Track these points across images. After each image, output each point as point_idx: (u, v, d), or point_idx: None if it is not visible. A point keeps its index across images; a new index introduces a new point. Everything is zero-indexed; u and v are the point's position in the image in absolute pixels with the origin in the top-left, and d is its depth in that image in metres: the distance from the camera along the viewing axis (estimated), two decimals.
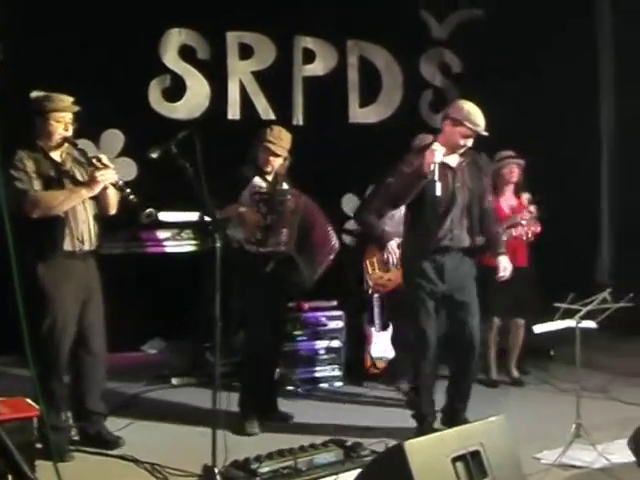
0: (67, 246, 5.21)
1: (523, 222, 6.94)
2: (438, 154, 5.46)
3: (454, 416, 5.79)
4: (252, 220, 5.88)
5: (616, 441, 5.46)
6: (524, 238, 6.98)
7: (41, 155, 5.23)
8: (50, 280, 5.17)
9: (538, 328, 5.62)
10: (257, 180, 5.98)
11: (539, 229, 7.04)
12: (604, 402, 6.72)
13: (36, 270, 5.12)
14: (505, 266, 5.84)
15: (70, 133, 5.27)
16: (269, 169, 6.01)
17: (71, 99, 5.29)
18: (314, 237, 6.10)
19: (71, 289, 5.26)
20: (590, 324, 5.50)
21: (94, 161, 5.26)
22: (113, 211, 5.47)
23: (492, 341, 7.39)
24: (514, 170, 7.23)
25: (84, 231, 5.28)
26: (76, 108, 5.30)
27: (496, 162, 7.13)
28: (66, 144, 5.29)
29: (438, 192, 5.51)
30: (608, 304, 5.42)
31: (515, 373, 7.53)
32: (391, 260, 6.46)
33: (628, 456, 4.96)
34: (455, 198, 5.68)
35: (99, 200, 5.36)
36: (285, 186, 6.11)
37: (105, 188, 5.26)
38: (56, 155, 5.30)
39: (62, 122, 5.21)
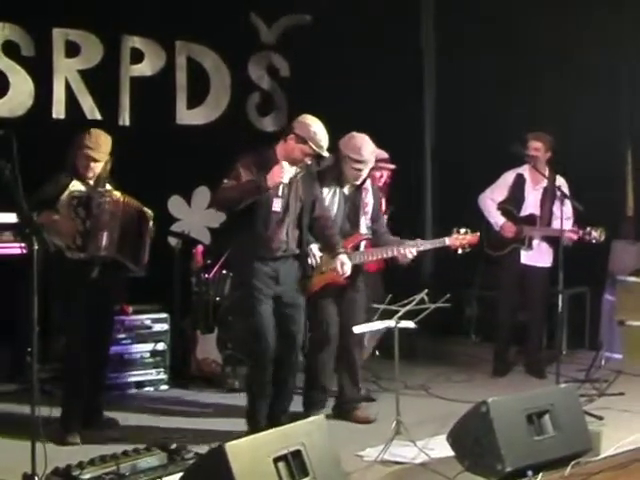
0: None
1: None
2: (286, 175, 5.52)
3: (275, 418, 5.83)
4: (67, 228, 5.76)
5: (436, 437, 5.65)
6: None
7: None
8: None
9: (358, 329, 5.75)
10: (75, 184, 5.85)
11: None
12: (425, 399, 6.93)
13: None
14: (343, 262, 5.84)
15: None
16: (90, 174, 5.90)
17: None
18: (136, 231, 6.02)
19: None
20: (409, 324, 5.66)
21: None
22: None
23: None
24: (384, 174, 7.14)
25: None
26: None
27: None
28: None
29: (277, 208, 5.61)
30: (425, 305, 5.59)
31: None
32: (312, 262, 6.16)
33: (448, 451, 5.10)
34: (288, 210, 5.74)
35: None
36: (108, 187, 6.01)
37: None
38: None
39: None
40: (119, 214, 5.90)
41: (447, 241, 6.27)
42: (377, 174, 6.94)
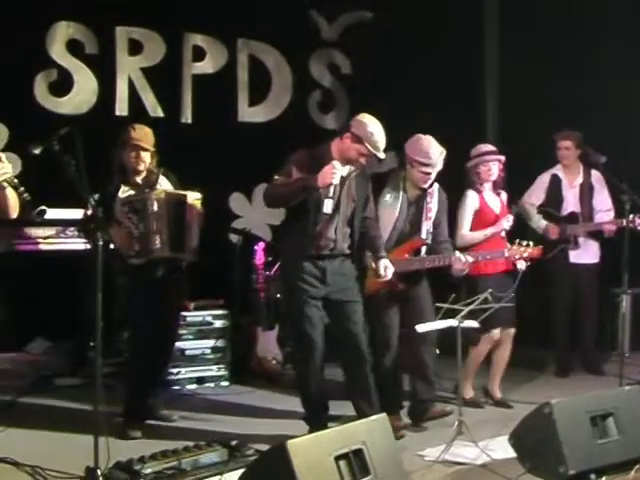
0: None
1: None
2: (337, 175, 5.40)
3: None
4: (122, 239, 5.78)
5: (497, 437, 5.59)
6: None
7: None
8: None
9: (421, 327, 5.69)
10: (123, 190, 5.86)
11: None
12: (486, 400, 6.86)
13: None
14: (386, 266, 5.75)
15: None
16: (141, 167, 5.91)
17: None
18: (182, 223, 5.99)
19: None
20: (472, 323, 5.60)
21: None
22: (15, 214, 5.33)
23: (479, 356, 6.75)
24: (492, 168, 6.66)
25: None
26: None
27: (474, 158, 6.70)
28: None
29: (327, 210, 5.52)
30: (489, 304, 5.53)
31: (498, 393, 6.90)
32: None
33: (509, 452, 5.04)
34: (339, 208, 5.65)
35: None
36: (162, 179, 6.02)
37: (3, 188, 5.14)
38: None
39: None
40: (165, 212, 5.89)
41: (506, 253, 6.15)
42: (484, 169, 6.63)
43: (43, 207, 5.04)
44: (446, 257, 6.04)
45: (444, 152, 5.94)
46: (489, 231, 6.53)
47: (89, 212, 4.80)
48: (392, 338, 6.04)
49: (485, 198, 6.66)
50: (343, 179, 5.60)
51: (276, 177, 5.60)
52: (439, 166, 5.95)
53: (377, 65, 9.42)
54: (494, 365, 6.86)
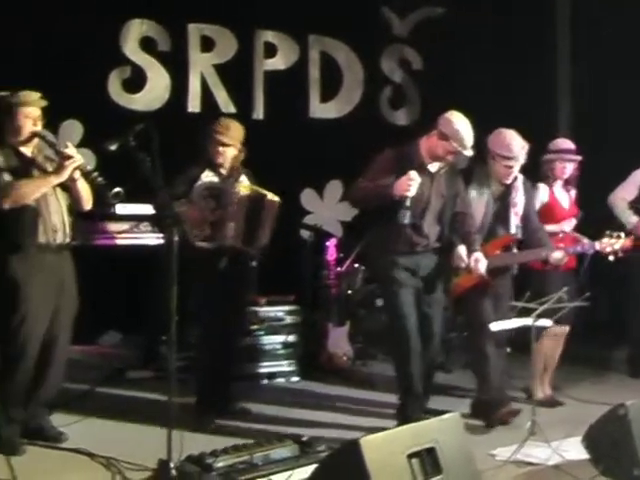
0: (41, 237, 5.18)
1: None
2: (413, 187, 5.38)
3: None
4: (194, 217, 5.82)
5: (570, 438, 5.51)
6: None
7: (10, 151, 5.19)
8: (23, 273, 5.13)
9: (495, 326, 5.64)
10: (207, 175, 5.94)
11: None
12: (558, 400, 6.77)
13: (9, 262, 5.10)
14: (478, 259, 5.69)
15: (39, 128, 5.25)
16: (220, 160, 5.97)
17: (38, 94, 5.25)
18: (259, 220, 6.04)
19: (44, 282, 5.21)
20: (546, 322, 5.53)
21: (60, 148, 5.23)
22: (88, 205, 5.44)
23: (543, 353, 6.55)
24: (567, 166, 6.61)
25: (57, 221, 5.25)
26: (44, 103, 5.27)
27: (551, 153, 6.65)
28: (36, 139, 5.26)
29: (406, 220, 5.46)
30: (564, 303, 5.46)
31: (549, 391, 6.78)
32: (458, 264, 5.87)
33: (582, 453, 4.96)
34: (429, 204, 5.65)
35: (72, 193, 5.33)
36: (243, 178, 6.08)
37: (75, 180, 5.23)
38: (27, 151, 5.27)
39: (31, 118, 5.19)
40: (246, 205, 5.96)
41: (597, 246, 6.03)
42: (559, 166, 6.58)
43: (119, 189, 5.12)
44: (540, 252, 6.02)
45: (526, 146, 5.88)
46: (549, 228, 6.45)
47: (163, 207, 4.83)
48: (489, 329, 5.83)
49: (555, 193, 6.59)
50: (432, 175, 5.61)
51: (361, 179, 5.62)
52: (521, 160, 5.90)
53: (448, 61, 9.35)
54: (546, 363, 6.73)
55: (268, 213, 6.06)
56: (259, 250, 6.11)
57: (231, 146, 5.97)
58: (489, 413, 6.01)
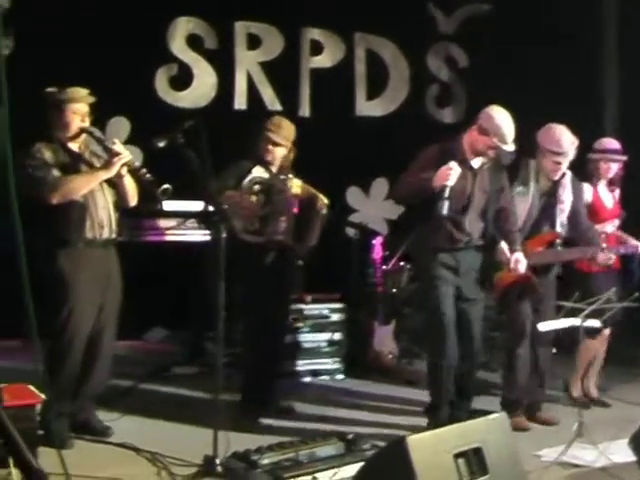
0: (88, 232, 5.22)
1: None
2: (453, 177, 5.35)
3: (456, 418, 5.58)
4: (249, 208, 5.85)
5: (617, 440, 5.45)
6: None
7: (59, 146, 5.24)
8: (70, 268, 5.17)
9: (543, 326, 5.59)
10: (257, 170, 5.94)
11: None
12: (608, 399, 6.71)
13: (56, 257, 5.14)
14: (518, 260, 5.65)
15: (87, 124, 5.29)
16: (269, 158, 5.97)
17: (86, 91, 5.30)
18: (308, 219, 6.07)
19: (91, 277, 5.25)
20: (594, 323, 5.48)
21: (108, 144, 5.27)
22: (133, 202, 5.47)
23: (588, 355, 6.52)
24: (612, 166, 6.52)
25: (104, 217, 5.29)
26: (92, 99, 5.32)
27: (597, 152, 6.58)
28: (83, 135, 5.31)
29: (444, 211, 5.40)
30: (612, 303, 5.40)
31: (595, 392, 6.72)
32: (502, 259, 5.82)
33: (629, 456, 4.89)
34: (472, 200, 5.61)
35: (118, 190, 5.37)
36: (290, 177, 6.08)
37: (121, 176, 5.28)
38: (74, 146, 5.32)
39: (79, 114, 5.24)
40: (297, 204, 6.00)
41: None
42: (604, 166, 6.50)
43: (167, 185, 5.15)
44: (586, 250, 5.97)
45: (576, 141, 5.82)
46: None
47: (211, 204, 4.86)
48: (527, 330, 5.90)
49: (599, 192, 6.52)
50: (475, 171, 5.58)
51: (404, 174, 5.61)
52: (571, 156, 5.84)
53: (494, 58, 9.29)
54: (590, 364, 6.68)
55: (318, 214, 6.08)
56: (307, 250, 6.12)
57: (282, 145, 5.97)
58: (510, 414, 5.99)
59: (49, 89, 5.31)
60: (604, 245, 6.03)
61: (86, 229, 5.22)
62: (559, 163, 5.83)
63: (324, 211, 6.12)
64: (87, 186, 5.19)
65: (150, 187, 5.21)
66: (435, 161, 5.50)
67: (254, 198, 5.88)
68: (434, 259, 5.60)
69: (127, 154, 5.25)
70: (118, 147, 5.26)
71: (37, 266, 4.73)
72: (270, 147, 5.94)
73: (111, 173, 5.23)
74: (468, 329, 5.70)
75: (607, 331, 6.49)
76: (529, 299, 5.93)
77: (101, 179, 5.25)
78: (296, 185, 6.03)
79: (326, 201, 6.14)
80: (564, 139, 5.80)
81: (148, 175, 5.21)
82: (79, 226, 5.20)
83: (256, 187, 5.90)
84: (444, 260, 5.60)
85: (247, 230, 5.88)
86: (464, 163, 5.53)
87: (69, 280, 5.17)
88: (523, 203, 5.92)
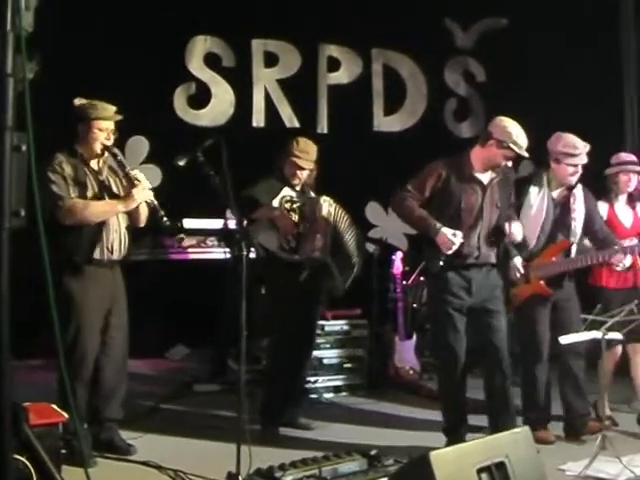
0: (97, 255, 5.23)
1: None
2: (455, 248, 5.40)
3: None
4: (285, 224, 5.88)
5: None
6: None
7: (79, 161, 5.24)
8: (77, 287, 5.18)
9: (564, 339, 5.56)
10: (287, 190, 5.98)
11: None
12: (629, 414, 6.66)
13: (63, 276, 5.13)
14: (517, 265, 5.75)
15: (111, 142, 5.29)
16: (296, 182, 6.02)
17: (114, 108, 5.30)
18: (345, 244, 6.07)
19: (97, 296, 5.26)
20: (616, 335, 5.45)
21: (130, 175, 5.28)
22: (142, 224, 5.49)
23: (609, 371, 6.38)
24: (632, 178, 6.44)
25: (115, 240, 5.30)
26: (118, 117, 5.33)
27: (614, 166, 6.56)
28: (106, 153, 5.31)
29: (440, 263, 5.50)
30: (635, 316, 5.38)
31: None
32: (515, 276, 5.90)
33: None
34: (482, 215, 5.58)
35: (131, 213, 5.39)
36: (312, 195, 6.11)
37: (137, 206, 5.30)
38: (94, 163, 5.32)
39: (105, 131, 5.24)
40: (330, 221, 6.01)
41: None
42: (623, 177, 6.45)
43: (182, 235, 5.15)
44: (604, 254, 5.92)
45: (588, 146, 5.83)
46: None
47: (231, 222, 4.87)
48: (543, 346, 5.89)
49: (615, 210, 6.47)
50: (484, 186, 5.57)
51: (409, 187, 5.60)
52: (585, 159, 5.83)
53: (512, 72, 9.29)
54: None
55: (348, 232, 6.10)
56: (344, 288, 6.12)
57: (306, 169, 6.01)
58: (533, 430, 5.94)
59: (78, 101, 5.30)
60: (616, 247, 5.98)
61: (95, 253, 5.23)
62: (576, 165, 5.82)
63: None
64: (104, 216, 5.21)
65: (167, 231, 5.24)
66: (442, 176, 5.52)
67: (293, 216, 5.92)
68: (444, 280, 5.55)
69: (148, 192, 5.26)
70: (139, 175, 5.28)
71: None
72: (298, 172, 5.99)
73: (130, 208, 5.26)
74: (491, 340, 5.60)
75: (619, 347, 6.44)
76: (547, 316, 5.92)
77: (119, 212, 5.28)
78: (329, 203, 6.03)
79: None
80: (577, 141, 5.81)
81: (165, 219, 5.21)
82: (89, 248, 5.20)
83: (288, 206, 5.94)
84: (454, 280, 5.54)
85: (282, 248, 5.91)
86: (472, 178, 5.54)
87: (76, 298, 5.18)
88: (538, 214, 5.90)
